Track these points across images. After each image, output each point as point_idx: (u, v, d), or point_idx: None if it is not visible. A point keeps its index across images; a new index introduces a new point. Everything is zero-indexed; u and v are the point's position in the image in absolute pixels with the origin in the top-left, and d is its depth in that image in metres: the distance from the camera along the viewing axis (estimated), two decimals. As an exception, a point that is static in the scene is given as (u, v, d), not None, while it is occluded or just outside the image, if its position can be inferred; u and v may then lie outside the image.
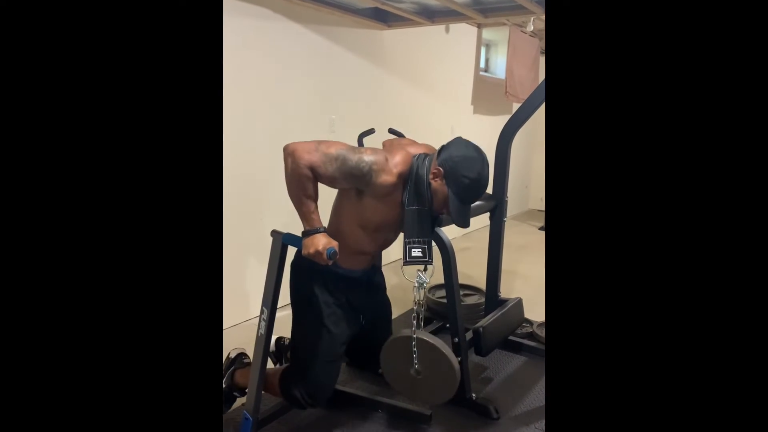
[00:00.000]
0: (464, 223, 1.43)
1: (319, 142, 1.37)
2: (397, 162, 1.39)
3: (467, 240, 4.18)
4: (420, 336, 1.50)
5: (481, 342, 1.88)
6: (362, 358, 1.78)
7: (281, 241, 1.51)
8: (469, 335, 1.93)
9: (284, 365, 1.72)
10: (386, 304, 1.75)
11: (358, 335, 1.60)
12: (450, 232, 1.93)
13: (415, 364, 1.52)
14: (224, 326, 2.39)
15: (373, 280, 1.66)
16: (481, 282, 2.47)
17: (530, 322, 2.48)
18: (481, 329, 1.88)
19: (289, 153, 1.35)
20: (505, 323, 2.09)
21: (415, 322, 1.52)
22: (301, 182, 1.35)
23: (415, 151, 1.46)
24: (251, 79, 2.44)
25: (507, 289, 2.99)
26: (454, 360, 1.50)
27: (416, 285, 1.50)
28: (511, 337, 2.28)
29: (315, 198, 1.39)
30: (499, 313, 2.06)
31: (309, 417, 1.79)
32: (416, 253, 1.43)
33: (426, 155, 1.44)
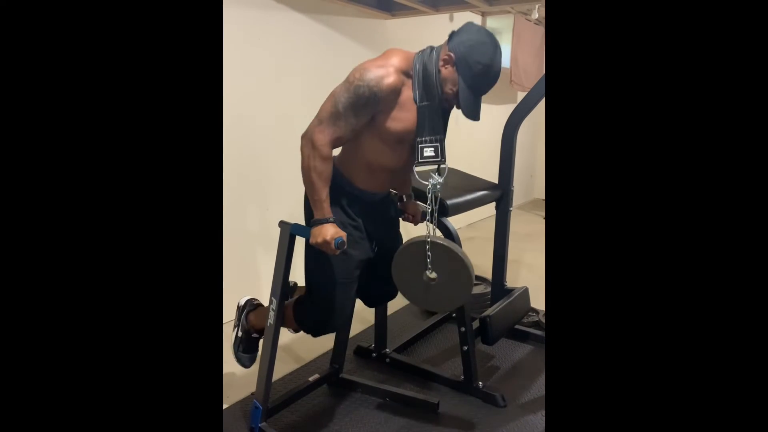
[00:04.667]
0: (475, 115, 1.37)
1: (317, 115, 1.36)
2: (393, 62, 1.36)
3: (473, 230, 4.18)
4: (434, 240, 1.42)
5: (487, 331, 1.89)
6: (373, 294, 1.74)
7: (289, 231, 1.53)
8: (475, 324, 1.94)
9: (296, 297, 1.69)
10: (399, 239, 1.71)
11: (369, 268, 1.58)
12: (456, 222, 1.93)
13: (429, 269, 1.44)
14: (232, 317, 2.41)
15: (387, 212, 1.64)
16: (487, 271, 2.48)
17: (536, 311, 2.48)
18: (487, 318, 1.89)
19: (307, 141, 1.36)
20: (512, 312, 2.10)
21: (429, 225, 1.44)
22: (318, 167, 1.34)
23: (414, 54, 1.42)
24: (255, 70, 2.43)
25: (513, 279, 3.00)
26: (469, 263, 1.43)
27: (429, 187, 1.44)
28: (517, 326, 2.29)
29: (329, 182, 1.39)
30: (506, 302, 2.07)
31: (318, 405, 1.81)
32: (428, 152, 1.38)
33: (432, 47, 1.39)
